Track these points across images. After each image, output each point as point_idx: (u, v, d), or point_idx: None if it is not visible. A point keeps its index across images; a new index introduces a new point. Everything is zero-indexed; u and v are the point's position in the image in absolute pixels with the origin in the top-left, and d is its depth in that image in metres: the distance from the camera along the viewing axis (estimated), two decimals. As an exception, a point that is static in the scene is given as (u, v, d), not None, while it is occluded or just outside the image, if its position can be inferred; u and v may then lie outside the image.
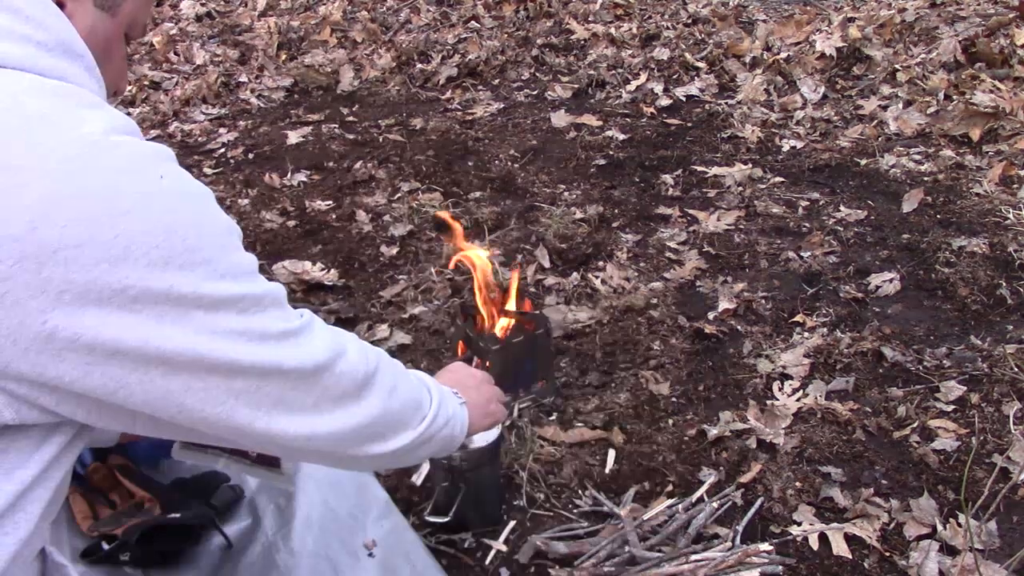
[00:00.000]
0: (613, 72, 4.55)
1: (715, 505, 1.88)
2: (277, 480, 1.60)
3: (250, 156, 3.94)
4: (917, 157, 3.55)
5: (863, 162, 3.54)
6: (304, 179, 3.67)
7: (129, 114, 4.43)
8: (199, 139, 4.16)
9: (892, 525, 1.85)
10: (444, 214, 2.37)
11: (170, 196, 0.92)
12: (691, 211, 3.22)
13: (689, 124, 4.03)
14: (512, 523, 1.90)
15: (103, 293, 0.86)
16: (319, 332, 1.06)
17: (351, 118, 4.32)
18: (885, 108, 3.96)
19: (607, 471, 2.04)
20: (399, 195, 3.45)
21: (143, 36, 1.19)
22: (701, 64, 4.54)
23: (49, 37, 0.95)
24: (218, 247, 0.94)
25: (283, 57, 5.05)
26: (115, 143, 0.91)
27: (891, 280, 2.72)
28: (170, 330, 0.90)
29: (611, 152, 3.74)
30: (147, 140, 0.96)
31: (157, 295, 0.88)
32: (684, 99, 4.27)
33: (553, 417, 2.22)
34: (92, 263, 0.85)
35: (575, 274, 2.85)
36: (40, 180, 0.85)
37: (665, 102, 4.23)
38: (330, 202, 3.43)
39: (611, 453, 2.09)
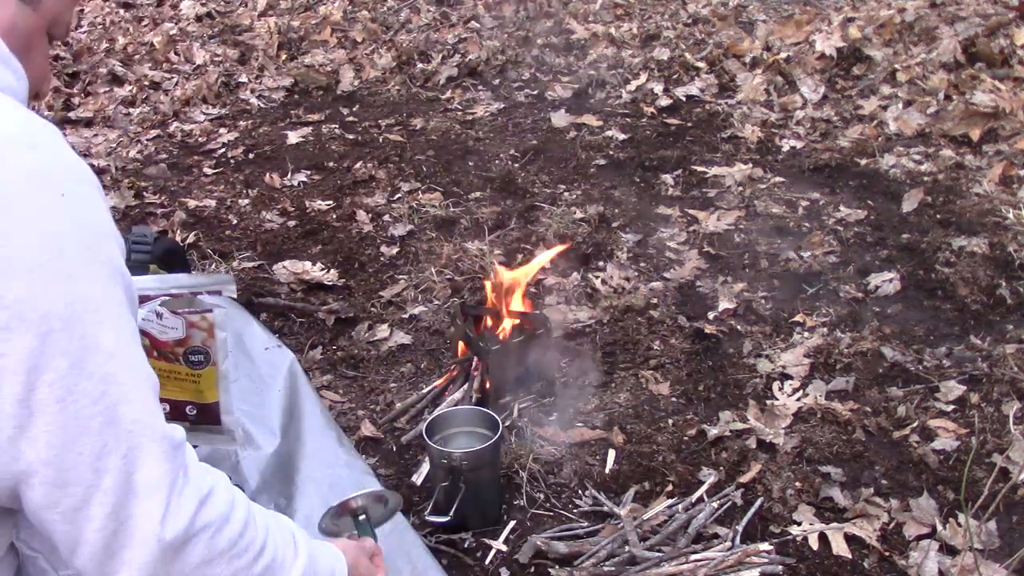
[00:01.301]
0: (613, 72, 4.55)
1: (715, 505, 1.88)
2: (219, 440, 1.58)
3: (250, 156, 3.94)
4: (917, 157, 3.55)
5: (863, 162, 3.54)
6: (304, 179, 3.67)
7: (128, 114, 4.44)
8: (199, 139, 4.16)
9: (892, 525, 1.85)
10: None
11: (65, 218, 0.88)
12: (691, 211, 3.22)
13: (689, 124, 4.03)
14: (512, 523, 1.90)
15: None
16: (191, 463, 0.95)
17: (351, 118, 4.32)
18: (885, 108, 3.96)
19: (607, 471, 2.04)
20: (399, 195, 3.45)
21: (66, 36, 1.15)
22: (701, 64, 4.54)
23: None
24: (100, 287, 0.89)
25: (283, 57, 5.05)
26: (21, 147, 0.88)
27: (891, 280, 2.72)
28: (30, 379, 0.83)
29: (611, 152, 3.74)
30: (67, 151, 0.93)
31: (30, 323, 0.83)
32: (684, 99, 4.27)
33: (553, 417, 2.22)
34: None
35: (575, 274, 2.85)
36: None
37: (665, 102, 4.23)
38: (330, 202, 3.43)
39: (611, 453, 2.09)
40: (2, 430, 0.85)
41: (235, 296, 1.54)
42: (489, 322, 2.30)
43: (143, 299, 1.45)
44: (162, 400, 1.49)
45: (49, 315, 0.84)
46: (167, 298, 1.48)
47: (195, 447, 1.03)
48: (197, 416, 1.55)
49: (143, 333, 1.46)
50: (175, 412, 1.53)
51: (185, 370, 1.52)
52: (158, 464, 0.90)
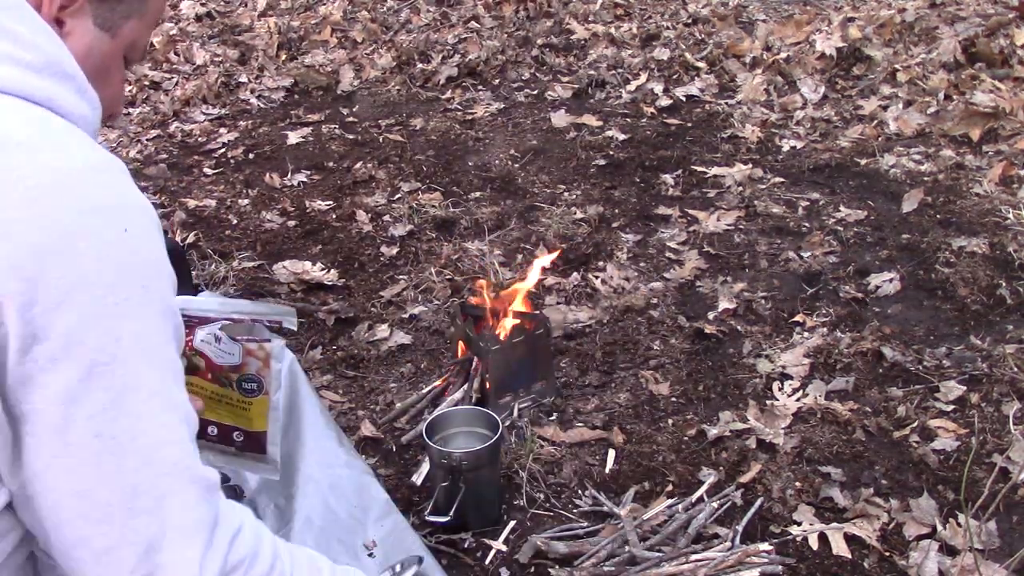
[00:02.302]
0: (613, 72, 4.55)
1: (715, 505, 1.88)
2: (262, 469, 1.58)
3: (250, 156, 3.94)
4: (917, 157, 3.55)
5: (863, 162, 3.54)
6: (304, 179, 3.67)
7: (128, 114, 4.43)
8: (199, 139, 4.16)
9: (892, 525, 1.85)
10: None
11: (125, 253, 0.87)
12: (691, 211, 3.22)
13: (689, 124, 4.03)
14: (512, 523, 1.90)
15: (27, 341, 0.81)
16: (222, 502, 0.95)
17: (351, 118, 4.32)
18: (885, 108, 3.96)
19: (607, 471, 2.04)
20: (399, 195, 3.45)
21: (143, 60, 1.17)
22: (701, 64, 4.54)
23: (37, 58, 0.91)
24: (151, 325, 0.88)
25: (283, 57, 5.04)
26: (89, 182, 0.87)
27: (891, 280, 2.72)
28: (70, 411, 0.83)
29: (611, 152, 3.74)
30: (132, 188, 0.92)
31: (76, 355, 0.83)
32: (684, 99, 4.27)
33: (553, 417, 2.22)
34: (29, 304, 0.81)
35: (575, 274, 2.85)
36: (3, 208, 0.82)
37: (665, 102, 4.23)
38: (330, 202, 3.43)
39: (611, 453, 2.09)
40: (40, 457, 0.85)
41: (295, 328, 1.54)
42: (489, 322, 2.29)
43: (203, 320, 1.46)
44: (211, 423, 1.50)
45: (96, 349, 0.84)
46: (228, 323, 1.48)
47: (223, 476, 1.04)
48: (243, 443, 1.55)
49: (200, 354, 1.47)
50: (223, 436, 1.53)
51: (237, 396, 1.52)
52: (194, 508, 0.89)
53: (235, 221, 3.33)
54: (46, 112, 0.91)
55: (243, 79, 4.79)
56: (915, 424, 2.13)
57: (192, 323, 1.45)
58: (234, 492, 1.91)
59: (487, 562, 1.81)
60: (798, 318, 2.57)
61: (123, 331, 0.85)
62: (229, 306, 1.48)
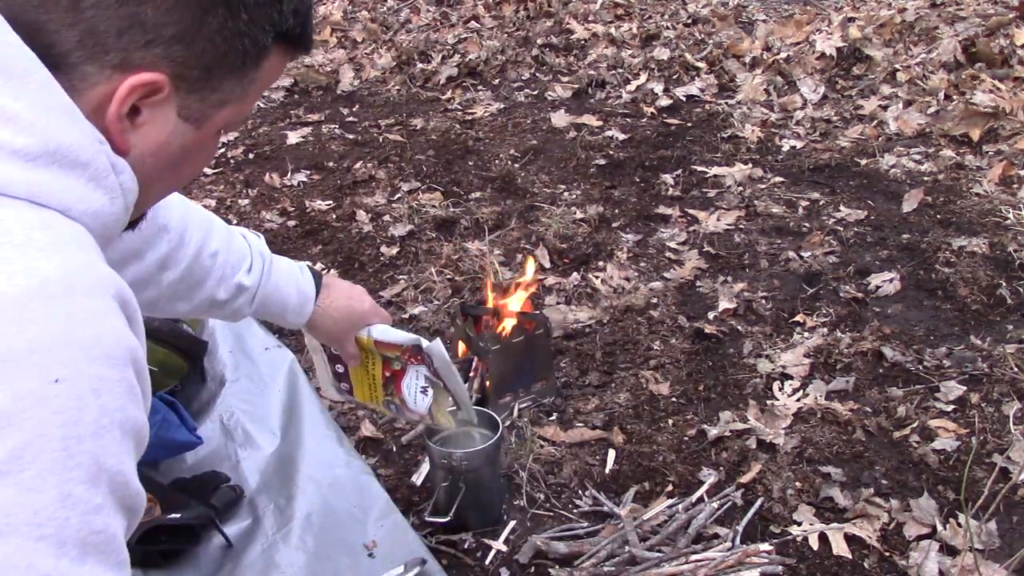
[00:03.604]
0: (613, 72, 4.55)
1: (715, 505, 1.88)
2: (331, 392, 1.71)
3: (250, 156, 3.94)
4: (917, 157, 3.55)
5: (863, 162, 3.54)
6: (304, 179, 3.67)
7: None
8: (199, 139, 4.16)
9: (892, 525, 1.85)
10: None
11: (44, 412, 0.66)
12: (691, 211, 3.22)
13: (689, 124, 4.03)
14: (512, 523, 1.90)
15: None
16: None
17: (351, 118, 4.32)
18: (885, 108, 3.96)
19: (607, 471, 2.04)
20: (399, 195, 3.45)
21: (241, 126, 1.02)
22: (701, 64, 4.54)
23: (32, 143, 0.72)
24: (57, 501, 0.66)
25: (283, 57, 5.04)
26: (30, 315, 0.67)
27: (891, 280, 2.72)
28: None
29: (611, 152, 3.74)
30: (92, 320, 0.70)
31: None
32: (684, 99, 4.27)
33: (553, 417, 2.22)
34: None
35: (575, 274, 2.85)
36: None
37: (665, 102, 4.23)
38: (330, 202, 3.43)
39: (611, 453, 2.09)
40: None
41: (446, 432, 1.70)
42: (489, 322, 2.29)
43: (436, 372, 1.52)
44: (345, 370, 1.61)
45: None
46: (444, 397, 1.56)
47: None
48: (345, 391, 1.67)
49: (401, 371, 1.54)
50: (339, 378, 1.65)
51: (380, 396, 1.62)
52: None
53: (235, 221, 3.33)
54: (26, 207, 0.72)
55: (243, 79, 4.79)
56: (915, 424, 2.13)
57: (427, 361, 1.52)
58: (233, 491, 1.91)
59: (487, 562, 1.81)
60: (798, 318, 2.57)
61: (17, 505, 0.65)
62: (463, 391, 1.58)
